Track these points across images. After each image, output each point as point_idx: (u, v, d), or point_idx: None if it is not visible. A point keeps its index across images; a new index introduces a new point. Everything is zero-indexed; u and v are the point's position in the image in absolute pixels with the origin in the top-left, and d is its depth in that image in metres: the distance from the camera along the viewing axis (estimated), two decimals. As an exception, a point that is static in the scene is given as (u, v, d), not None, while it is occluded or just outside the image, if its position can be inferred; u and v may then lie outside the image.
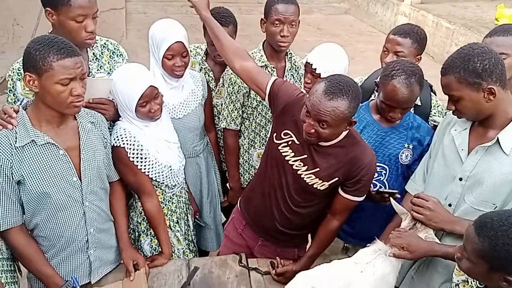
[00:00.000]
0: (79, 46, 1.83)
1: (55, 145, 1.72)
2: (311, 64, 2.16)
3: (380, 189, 2.11)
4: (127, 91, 1.95)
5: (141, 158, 2.02)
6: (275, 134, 2.00)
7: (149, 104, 1.98)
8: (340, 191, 1.96)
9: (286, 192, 1.99)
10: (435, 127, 2.18)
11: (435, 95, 2.42)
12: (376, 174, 2.18)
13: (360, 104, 2.27)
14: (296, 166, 1.93)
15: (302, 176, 1.93)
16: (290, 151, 1.94)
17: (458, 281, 1.66)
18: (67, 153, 1.76)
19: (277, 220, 2.06)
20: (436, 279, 1.90)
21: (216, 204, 2.63)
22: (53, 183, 1.73)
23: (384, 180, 2.22)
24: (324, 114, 1.70)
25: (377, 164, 2.15)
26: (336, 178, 1.91)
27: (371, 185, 2.18)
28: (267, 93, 2.02)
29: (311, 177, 1.93)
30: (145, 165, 2.03)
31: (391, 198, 1.95)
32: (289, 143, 1.94)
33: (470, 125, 1.81)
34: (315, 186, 1.93)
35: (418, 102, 2.30)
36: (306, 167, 1.92)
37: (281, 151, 1.96)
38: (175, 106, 2.32)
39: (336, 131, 1.79)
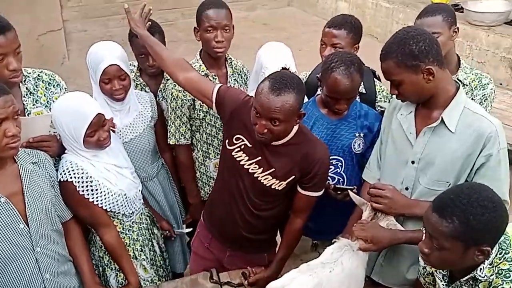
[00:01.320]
0: (6, 84, 1.73)
1: None
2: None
3: (337, 186, 2.12)
4: (72, 122, 1.86)
5: (92, 190, 1.93)
6: (227, 141, 1.99)
7: (98, 133, 1.90)
8: (298, 188, 1.97)
9: (246, 197, 1.99)
10: (382, 112, 2.20)
11: (379, 81, 2.45)
12: (333, 168, 2.20)
13: (307, 100, 2.31)
14: (252, 169, 1.93)
15: (259, 178, 1.93)
16: (244, 155, 1.94)
17: (424, 263, 1.68)
18: (9, 200, 1.66)
19: (241, 227, 2.04)
20: (403, 263, 1.94)
21: (179, 225, 2.57)
22: None
23: (342, 172, 2.22)
24: (274, 111, 1.73)
25: (332, 157, 2.18)
26: (293, 176, 1.92)
27: (330, 179, 2.20)
28: (214, 100, 2.02)
29: (267, 178, 1.93)
30: (97, 197, 1.95)
31: (349, 191, 1.96)
32: (242, 147, 1.95)
33: (415, 108, 1.83)
34: (273, 186, 1.93)
35: (362, 90, 2.32)
36: (262, 168, 1.92)
37: (235, 156, 1.96)
38: (120, 130, 2.24)
39: (288, 126, 1.82)
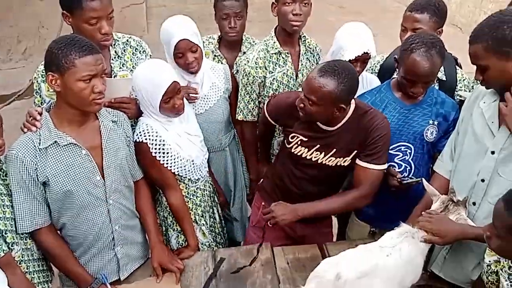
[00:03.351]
0: (98, 46, 1.83)
1: (77, 145, 1.75)
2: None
3: (403, 181, 2.06)
4: (150, 88, 1.95)
5: (164, 153, 2.03)
6: (285, 141, 2.10)
7: (173, 100, 1.98)
8: (358, 161, 1.99)
9: (316, 184, 2.08)
10: (461, 102, 2.09)
11: (461, 69, 2.32)
12: (401, 154, 2.15)
13: (381, 83, 2.24)
14: (315, 157, 2.01)
15: (324, 162, 2.02)
16: (303, 148, 2.03)
17: (490, 261, 1.60)
18: (89, 153, 1.79)
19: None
20: (470, 259, 1.84)
21: (243, 197, 2.63)
22: (77, 183, 1.77)
23: (410, 160, 2.15)
24: (312, 89, 1.80)
25: (402, 143, 2.13)
26: (355, 151, 1.98)
27: (396, 166, 2.14)
28: (268, 116, 2.19)
29: (331, 159, 2.01)
30: (167, 160, 2.04)
31: (423, 179, 1.89)
32: (299, 143, 2.02)
33: (499, 96, 1.72)
34: (339, 164, 2.01)
35: (442, 77, 2.22)
36: (323, 153, 2.00)
37: (295, 152, 2.05)
38: (195, 101, 2.31)
39: (323, 111, 1.85)
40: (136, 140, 2.00)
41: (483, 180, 1.75)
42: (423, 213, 1.80)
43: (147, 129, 2.00)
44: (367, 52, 2.13)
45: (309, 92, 1.81)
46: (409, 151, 2.13)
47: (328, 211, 2.12)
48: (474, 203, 1.78)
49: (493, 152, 1.70)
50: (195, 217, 2.25)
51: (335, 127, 1.96)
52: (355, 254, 1.64)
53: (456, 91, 2.26)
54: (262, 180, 2.40)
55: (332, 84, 1.77)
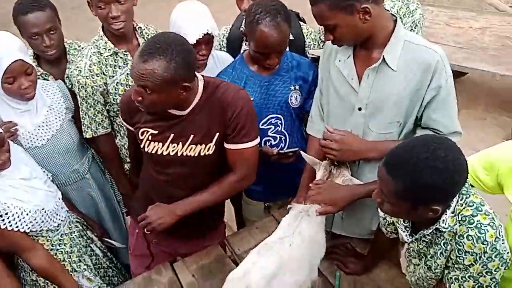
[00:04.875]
0: None
1: None
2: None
3: (280, 152, 1.97)
4: None
5: (1, 216, 1.64)
6: (138, 141, 1.78)
7: (18, 82, 1.74)
8: (226, 145, 1.73)
9: (184, 186, 1.79)
10: (314, 59, 2.04)
11: (305, 23, 2.25)
12: (273, 127, 2.06)
13: (234, 59, 2.09)
14: (172, 150, 1.72)
15: (184, 153, 1.72)
16: (156, 143, 1.73)
17: (384, 214, 1.61)
18: None
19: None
20: (366, 212, 1.86)
21: (119, 217, 2.36)
22: None
23: (283, 130, 2.07)
24: (141, 77, 1.50)
25: (270, 116, 2.03)
26: (217, 133, 1.70)
27: (272, 139, 2.06)
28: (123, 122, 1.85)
29: (191, 147, 1.71)
30: (9, 222, 1.66)
31: (300, 151, 1.82)
32: (150, 138, 1.73)
33: (353, 51, 1.68)
34: (203, 154, 1.72)
35: (290, 36, 2.13)
36: (181, 143, 1.71)
37: (149, 151, 1.74)
38: (31, 133, 1.93)
39: (166, 97, 1.56)
40: None
41: None
42: (310, 185, 1.74)
43: None
44: (208, 33, 1.92)
45: (140, 81, 1.51)
46: (279, 121, 2.05)
47: (211, 202, 1.80)
48: (354, 161, 1.77)
49: (360, 109, 1.68)
50: (71, 266, 1.93)
51: (188, 110, 1.68)
52: (258, 257, 1.52)
53: (306, 47, 2.21)
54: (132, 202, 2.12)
55: (161, 65, 1.48)
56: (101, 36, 2.07)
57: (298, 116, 2.10)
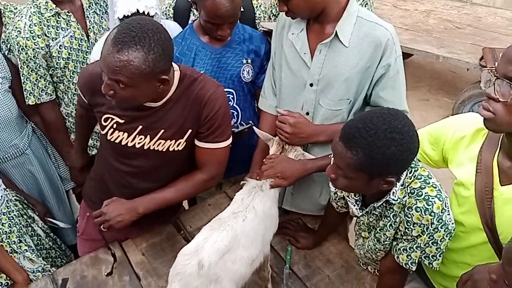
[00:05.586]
0: None
1: None
2: None
3: (235, 130, 1.93)
4: None
5: None
6: (99, 125, 1.62)
7: None
8: (197, 142, 1.64)
9: (147, 178, 1.68)
10: (265, 33, 2.00)
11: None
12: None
13: (183, 28, 2.00)
14: (139, 142, 1.60)
15: (152, 148, 1.61)
16: (121, 133, 1.59)
17: (335, 188, 1.62)
18: None
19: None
20: (314, 188, 1.88)
21: (63, 195, 2.23)
22: None
23: (235, 105, 2.03)
24: (115, 70, 1.32)
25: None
26: (190, 130, 1.61)
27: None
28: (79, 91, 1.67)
29: (160, 142, 1.60)
30: None
31: (253, 127, 1.80)
32: (115, 126, 1.59)
33: (306, 24, 1.65)
34: (172, 149, 1.62)
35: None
36: (149, 136, 1.59)
37: (112, 139, 1.60)
38: None
39: (142, 92, 1.41)
40: None
41: (307, 113, 1.73)
42: (264, 160, 1.74)
43: None
44: (140, 12, 1.76)
45: (113, 74, 1.34)
46: (231, 96, 2.00)
47: (176, 200, 1.72)
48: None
49: (311, 85, 1.67)
50: (11, 246, 1.82)
51: (160, 102, 1.56)
52: (211, 232, 1.49)
53: (256, 19, 2.17)
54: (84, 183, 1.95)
55: (138, 57, 1.31)
56: None
57: (250, 91, 2.07)
